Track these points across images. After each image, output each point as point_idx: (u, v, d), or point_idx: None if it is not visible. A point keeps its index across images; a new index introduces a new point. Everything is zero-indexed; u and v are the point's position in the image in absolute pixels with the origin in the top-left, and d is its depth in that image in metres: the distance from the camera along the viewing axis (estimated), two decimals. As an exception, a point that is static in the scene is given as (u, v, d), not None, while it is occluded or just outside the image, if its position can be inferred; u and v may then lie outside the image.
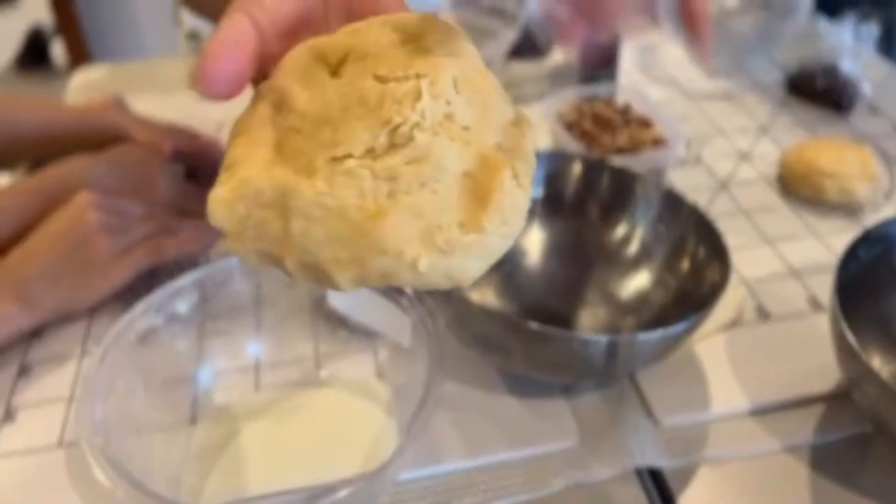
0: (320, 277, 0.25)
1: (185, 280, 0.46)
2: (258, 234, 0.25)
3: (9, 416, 0.48)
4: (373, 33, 0.27)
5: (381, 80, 0.25)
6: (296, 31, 0.29)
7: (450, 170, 0.25)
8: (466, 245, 0.25)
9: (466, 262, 0.25)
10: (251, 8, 0.27)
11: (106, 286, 0.53)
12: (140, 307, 0.44)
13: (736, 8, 0.88)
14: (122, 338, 0.43)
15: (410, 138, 0.24)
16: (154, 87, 0.83)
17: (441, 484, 0.45)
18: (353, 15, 0.29)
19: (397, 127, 0.24)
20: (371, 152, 0.24)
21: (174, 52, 1.36)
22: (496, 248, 0.26)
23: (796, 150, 0.67)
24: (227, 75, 0.26)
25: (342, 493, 0.36)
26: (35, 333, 0.53)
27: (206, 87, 0.26)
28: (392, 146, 0.24)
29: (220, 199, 0.25)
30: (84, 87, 0.87)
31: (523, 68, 0.80)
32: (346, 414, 0.47)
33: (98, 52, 1.89)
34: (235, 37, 0.26)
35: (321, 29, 0.29)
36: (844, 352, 0.42)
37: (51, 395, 0.50)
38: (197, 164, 0.63)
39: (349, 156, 0.24)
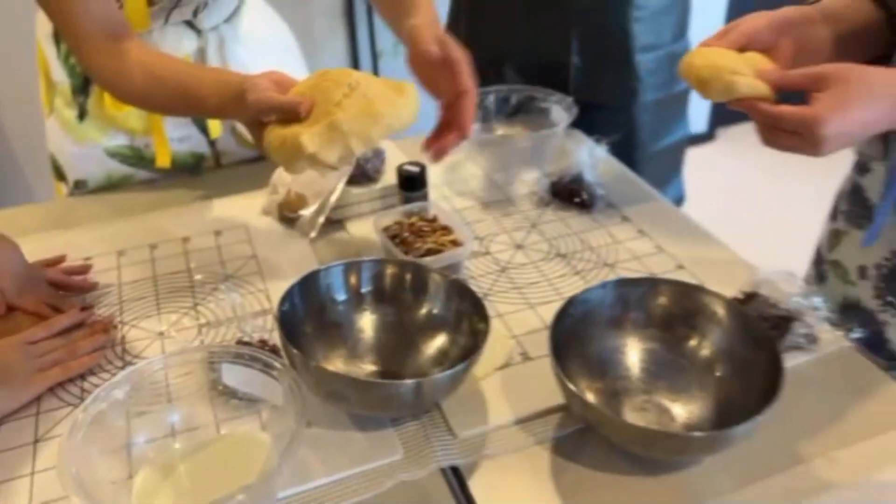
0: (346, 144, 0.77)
1: (120, 376, 0.67)
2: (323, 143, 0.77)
3: (-11, 490, 0.66)
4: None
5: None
6: None
7: (375, 87, 0.79)
8: (400, 104, 0.79)
9: (402, 112, 0.78)
10: None
11: (28, 396, 0.75)
12: (90, 398, 0.65)
13: (514, 132, 1.19)
14: (81, 420, 0.63)
15: (354, 87, 0.78)
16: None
17: (308, 496, 0.67)
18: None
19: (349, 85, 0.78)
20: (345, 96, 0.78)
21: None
22: (413, 108, 0.80)
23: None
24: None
25: (240, 497, 0.58)
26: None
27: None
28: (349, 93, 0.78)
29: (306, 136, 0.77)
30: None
31: (358, 192, 1.06)
32: (240, 456, 0.69)
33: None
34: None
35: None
36: (559, 381, 0.68)
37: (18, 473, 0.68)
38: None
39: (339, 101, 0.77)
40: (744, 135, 3.10)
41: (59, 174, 1.20)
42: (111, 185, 1.18)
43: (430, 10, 0.90)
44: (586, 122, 1.24)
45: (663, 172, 1.42)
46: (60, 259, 0.96)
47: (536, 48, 1.30)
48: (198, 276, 0.95)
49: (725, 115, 2.97)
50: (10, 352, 0.76)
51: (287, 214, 1.05)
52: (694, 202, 1.54)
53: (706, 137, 3.07)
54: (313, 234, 1.02)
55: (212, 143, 1.20)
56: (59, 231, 1.06)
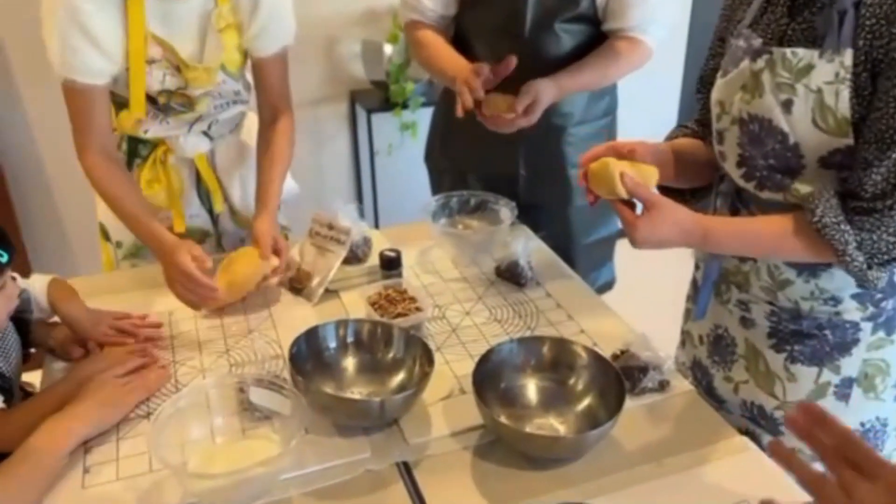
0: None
1: (182, 392, 1.01)
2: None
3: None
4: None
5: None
6: None
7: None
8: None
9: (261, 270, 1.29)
10: None
11: (125, 412, 1.08)
12: (164, 406, 0.98)
13: (472, 226, 1.55)
14: (158, 419, 0.96)
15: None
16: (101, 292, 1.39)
17: (303, 478, 0.99)
18: None
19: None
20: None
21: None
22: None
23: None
24: None
25: (259, 470, 0.91)
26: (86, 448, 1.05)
27: None
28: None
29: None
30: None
31: (350, 270, 1.42)
32: (259, 449, 1.01)
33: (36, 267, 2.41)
34: None
35: None
36: (480, 407, 1.02)
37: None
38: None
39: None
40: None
41: (106, 236, 1.57)
42: (136, 249, 1.54)
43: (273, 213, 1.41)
44: (532, 220, 1.61)
45: (595, 260, 1.78)
46: (127, 315, 1.29)
47: (492, 162, 1.67)
48: (230, 329, 1.30)
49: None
50: (108, 383, 1.09)
51: (296, 286, 1.40)
52: (622, 285, 1.90)
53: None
54: (314, 301, 1.37)
55: (214, 222, 1.59)
56: (114, 294, 1.41)
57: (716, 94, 1.05)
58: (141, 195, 1.40)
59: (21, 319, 1.20)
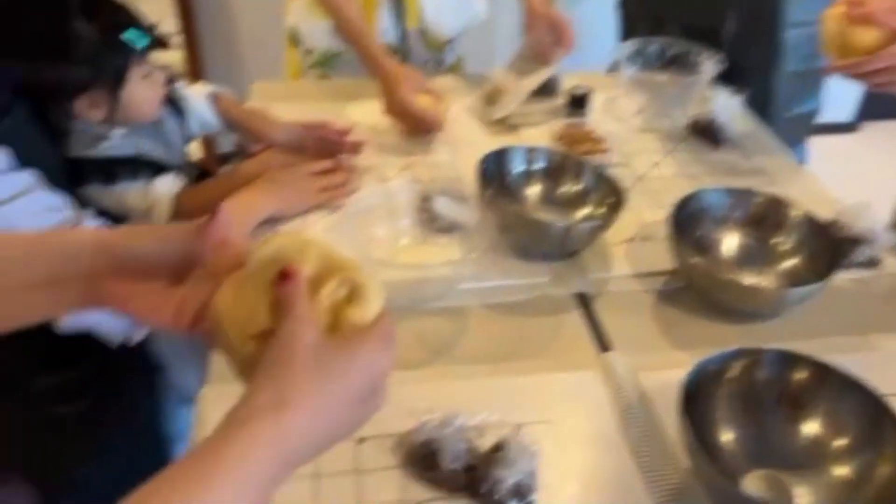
0: None
1: (372, 190, 1.00)
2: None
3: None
4: None
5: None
6: None
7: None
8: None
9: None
10: None
11: (312, 204, 1.08)
12: (355, 199, 0.98)
13: (665, 79, 1.44)
14: (345, 212, 0.96)
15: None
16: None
17: (479, 292, 0.98)
18: None
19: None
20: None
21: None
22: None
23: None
24: None
25: (442, 271, 0.89)
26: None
27: None
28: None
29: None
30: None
31: (534, 106, 1.35)
32: (441, 256, 1.00)
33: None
34: None
35: None
36: (676, 251, 0.95)
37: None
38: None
39: None
40: (892, 132, 3.15)
41: (295, 42, 1.53)
42: (328, 58, 1.51)
43: None
44: (729, 83, 1.47)
45: (789, 138, 1.62)
46: (326, 123, 1.27)
47: (696, 12, 1.52)
48: (412, 150, 1.28)
49: (876, 109, 3.03)
50: (299, 173, 1.10)
51: (488, 100, 1.35)
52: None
53: (849, 128, 3.13)
54: (498, 116, 1.31)
55: (404, 38, 1.50)
56: (298, 103, 1.41)
57: None
58: (361, 8, 1.36)
59: None
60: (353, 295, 0.49)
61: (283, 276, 0.48)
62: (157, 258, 0.53)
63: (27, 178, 0.86)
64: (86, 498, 0.84)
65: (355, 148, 1.19)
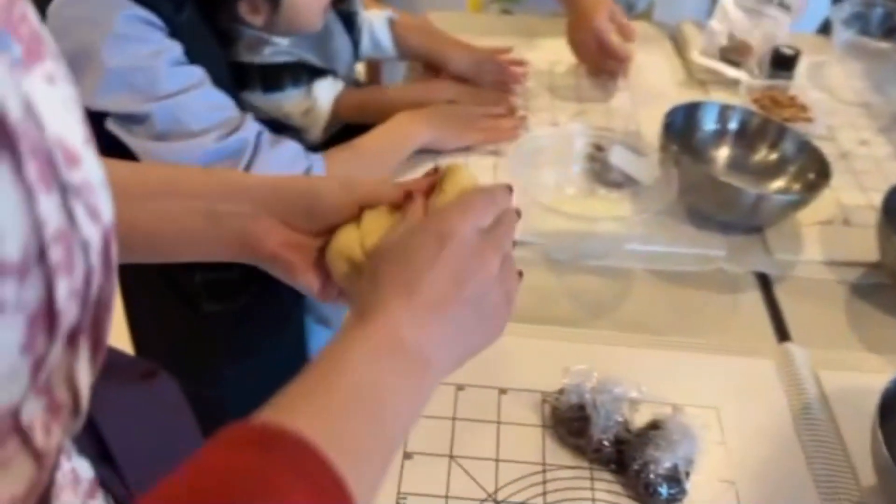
0: None
1: (544, 131, 0.93)
2: None
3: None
4: None
5: None
6: None
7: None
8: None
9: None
10: None
11: (465, 141, 1.03)
12: (523, 139, 0.92)
13: (888, 48, 1.26)
14: (515, 152, 0.90)
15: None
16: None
17: (646, 255, 0.89)
18: None
19: None
20: None
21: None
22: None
23: None
24: None
25: (609, 226, 0.82)
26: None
27: None
28: None
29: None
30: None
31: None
32: (609, 212, 0.93)
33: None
34: None
35: None
36: (885, 241, 0.83)
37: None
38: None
39: None
40: None
41: None
42: None
43: None
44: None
45: None
46: (508, 49, 1.21)
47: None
48: (587, 93, 1.19)
49: None
50: (464, 109, 1.06)
51: (730, 58, 1.22)
52: None
53: None
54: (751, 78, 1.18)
55: None
56: (479, 37, 1.34)
57: None
58: None
59: None
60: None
61: (407, 195, 0.51)
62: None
63: (199, 72, 0.87)
64: (229, 395, 0.86)
65: (525, 77, 1.16)
